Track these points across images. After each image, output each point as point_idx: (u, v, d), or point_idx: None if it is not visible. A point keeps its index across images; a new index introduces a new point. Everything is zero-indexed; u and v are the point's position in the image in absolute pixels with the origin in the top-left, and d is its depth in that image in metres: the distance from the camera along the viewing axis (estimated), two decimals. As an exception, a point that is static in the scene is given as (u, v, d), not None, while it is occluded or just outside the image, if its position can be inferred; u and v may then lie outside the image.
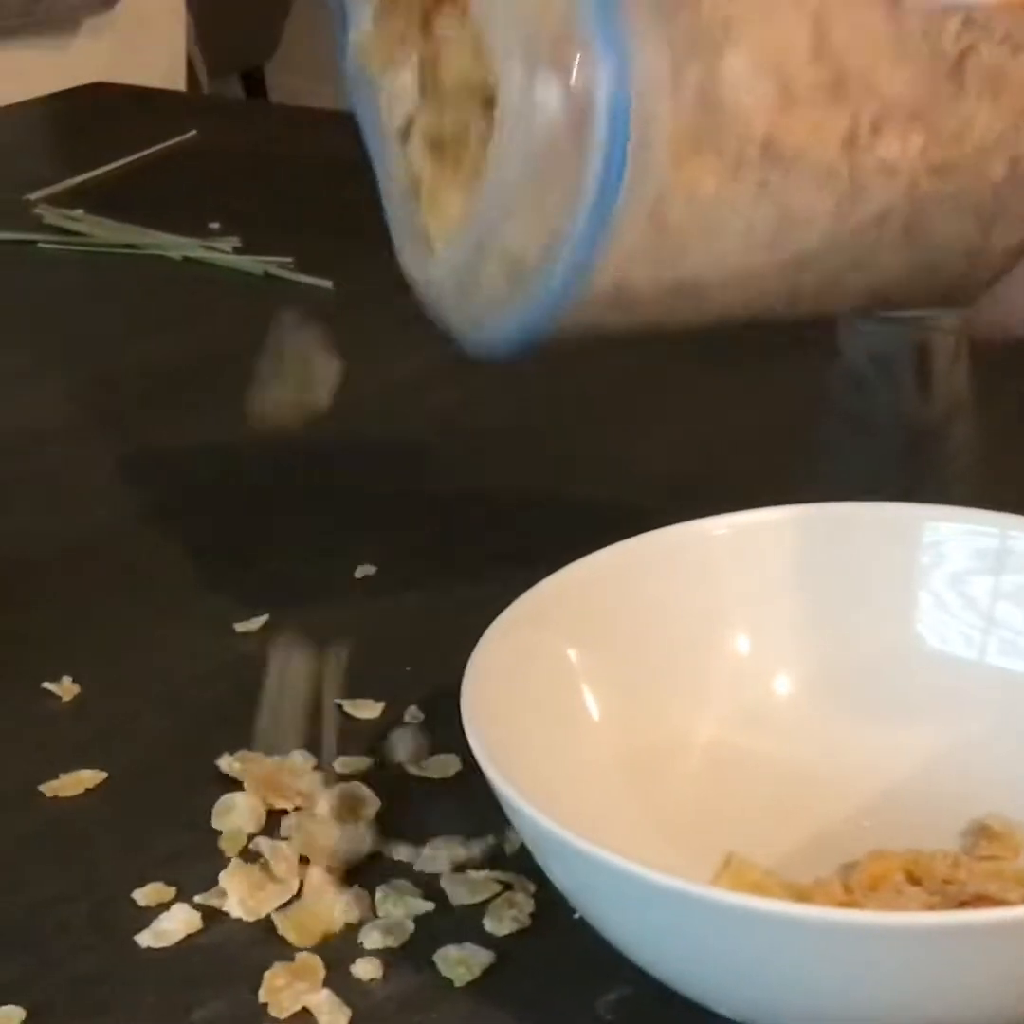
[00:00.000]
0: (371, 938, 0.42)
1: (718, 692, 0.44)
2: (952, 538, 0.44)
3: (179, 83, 1.96)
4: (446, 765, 0.48)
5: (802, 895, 0.41)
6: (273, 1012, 0.40)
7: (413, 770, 0.48)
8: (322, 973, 0.41)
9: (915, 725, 0.44)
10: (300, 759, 0.49)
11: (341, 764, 0.49)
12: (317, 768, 0.48)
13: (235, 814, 0.46)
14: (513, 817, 0.38)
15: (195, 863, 0.45)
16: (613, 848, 0.35)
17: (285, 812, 0.46)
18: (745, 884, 0.42)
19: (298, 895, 0.43)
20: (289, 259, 0.86)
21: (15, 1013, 0.40)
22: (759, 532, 0.45)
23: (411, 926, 0.42)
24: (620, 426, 0.70)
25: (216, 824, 0.46)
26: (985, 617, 0.44)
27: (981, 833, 0.42)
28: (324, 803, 0.46)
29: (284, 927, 0.42)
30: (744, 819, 0.43)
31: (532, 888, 0.43)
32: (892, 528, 0.45)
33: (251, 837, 0.46)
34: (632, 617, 0.43)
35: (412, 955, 0.42)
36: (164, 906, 0.43)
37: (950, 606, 0.44)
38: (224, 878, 0.43)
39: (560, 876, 0.38)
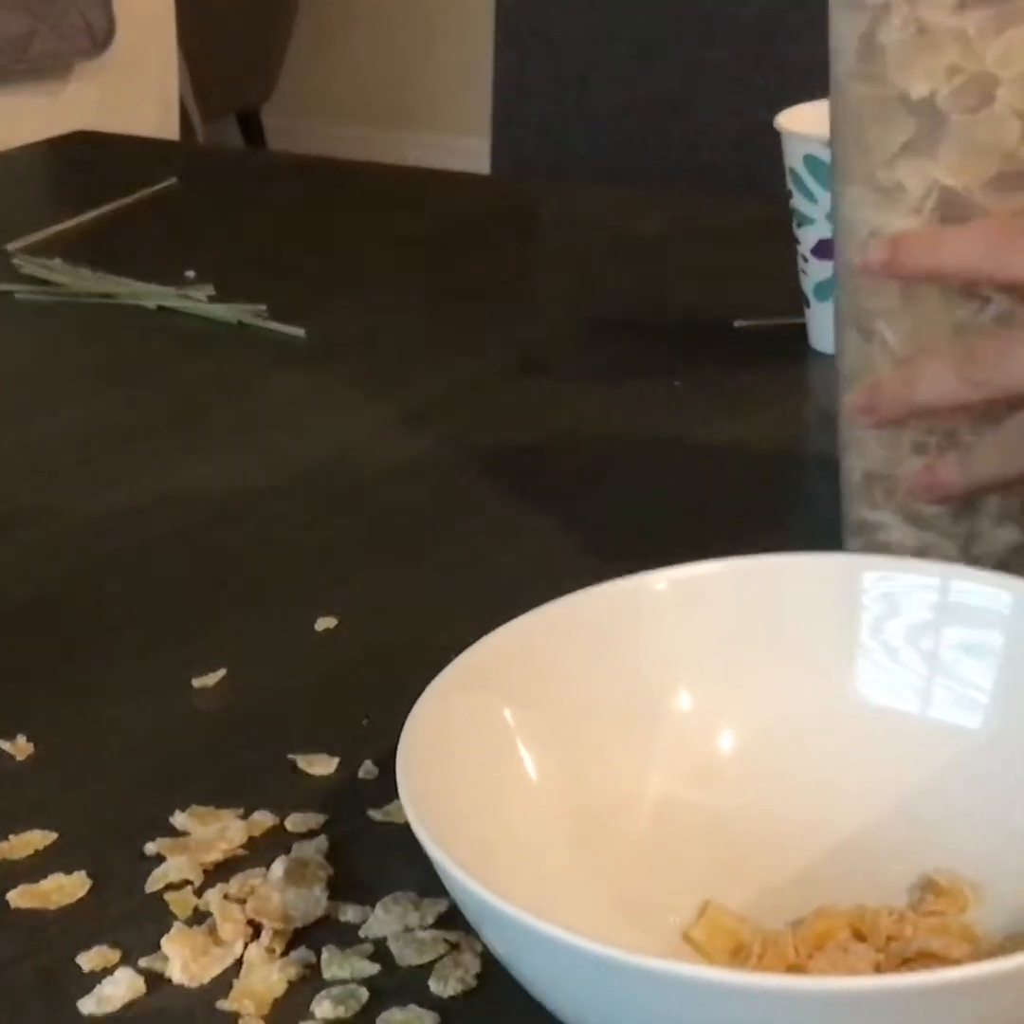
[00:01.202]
0: (322, 1007, 0.42)
1: (661, 749, 0.43)
2: (894, 589, 0.44)
3: (172, 126, 1.97)
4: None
5: (773, 941, 0.41)
6: (213, 1079, 0.40)
7: (376, 816, 0.48)
8: (265, 1038, 0.41)
9: (861, 779, 0.44)
10: (256, 816, 0.48)
11: (295, 822, 0.48)
12: (272, 826, 0.48)
13: (172, 874, 0.45)
14: (446, 882, 0.37)
15: (142, 925, 0.45)
16: (551, 911, 0.35)
17: (233, 862, 0.46)
18: (721, 930, 0.41)
19: (242, 959, 0.43)
20: (263, 307, 0.86)
21: (-46, 1081, 0.40)
22: (699, 586, 0.44)
23: (364, 994, 0.42)
24: (581, 476, 0.69)
25: (156, 886, 0.45)
26: (927, 670, 0.43)
27: (928, 888, 0.42)
28: (278, 867, 0.46)
29: (228, 992, 0.42)
30: (689, 877, 0.42)
31: (479, 947, 0.43)
32: (833, 579, 0.45)
33: (199, 893, 0.45)
34: (571, 675, 0.43)
35: (357, 1018, 0.41)
36: (108, 970, 0.43)
37: (893, 658, 0.44)
38: (166, 943, 0.43)
39: (493, 942, 0.38)
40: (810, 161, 0.74)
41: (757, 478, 0.68)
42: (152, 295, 0.88)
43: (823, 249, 0.75)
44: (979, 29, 0.45)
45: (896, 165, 0.47)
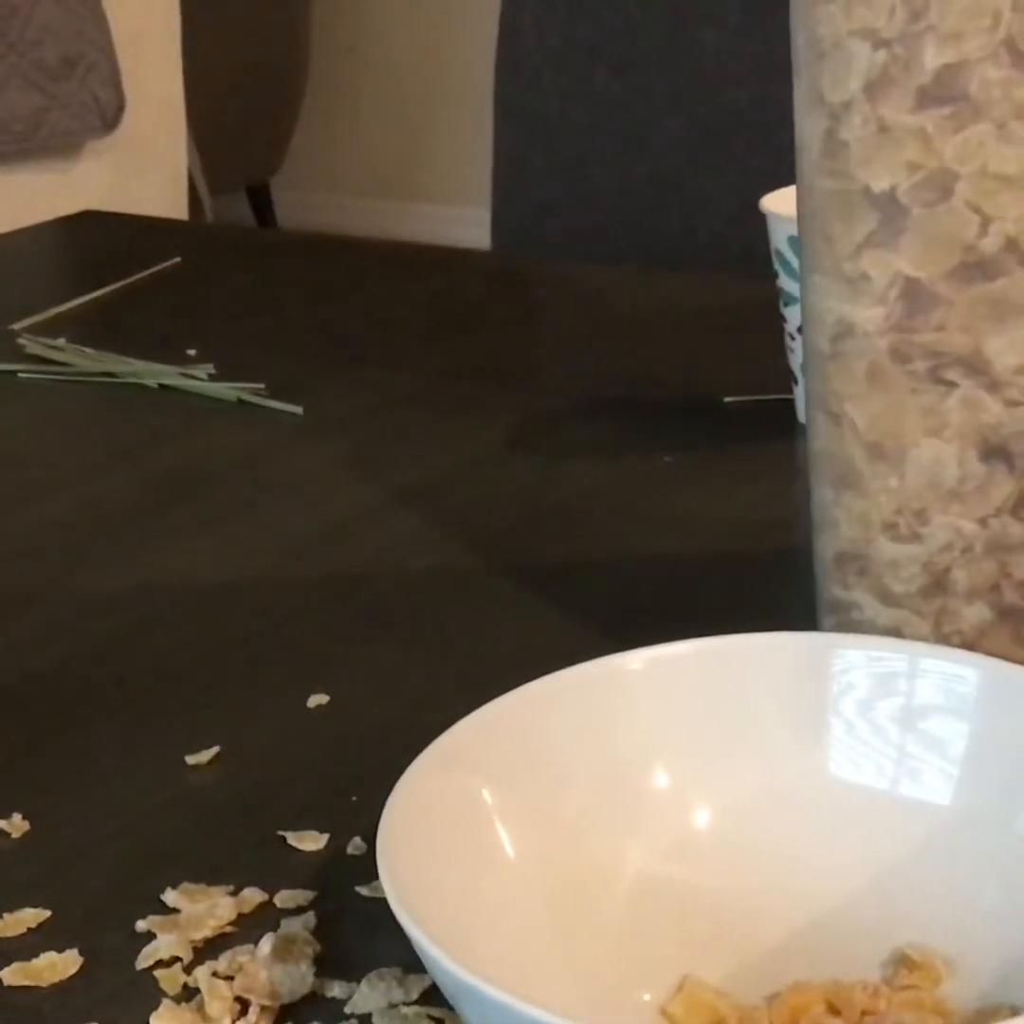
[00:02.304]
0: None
1: (638, 826, 0.44)
2: (862, 667, 0.45)
3: (181, 203, 2.00)
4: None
5: (749, 1016, 0.41)
6: None
7: (364, 891, 0.49)
8: (250, 1115, 0.42)
9: (834, 855, 0.44)
10: (245, 892, 0.49)
11: (283, 898, 0.49)
12: (261, 903, 0.49)
13: (162, 951, 0.46)
14: (423, 959, 0.38)
15: (132, 1002, 0.45)
16: (529, 988, 0.36)
17: (223, 938, 0.47)
18: (698, 1004, 0.42)
19: (228, 1035, 0.44)
20: (262, 385, 0.87)
21: None
22: (674, 665, 0.45)
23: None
24: (573, 552, 0.71)
25: (147, 963, 0.46)
26: (897, 747, 0.44)
27: (901, 962, 0.43)
28: (266, 944, 0.47)
29: (214, 1068, 0.43)
30: (666, 952, 0.43)
31: (462, 1024, 0.44)
32: (803, 658, 0.46)
33: (189, 970, 0.46)
34: (548, 754, 0.44)
35: (341, 1094, 0.42)
36: (99, 1048, 0.44)
37: (863, 736, 0.45)
38: (154, 1020, 0.44)
39: (470, 1019, 0.38)
40: (795, 242, 0.76)
41: (747, 553, 0.69)
42: (153, 374, 0.90)
43: (808, 328, 0.77)
44: (937, 127, 0.47)
45: (860, 256, 0.49)
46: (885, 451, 0.50)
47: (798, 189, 0.50)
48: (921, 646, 0.45)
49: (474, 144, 2.95)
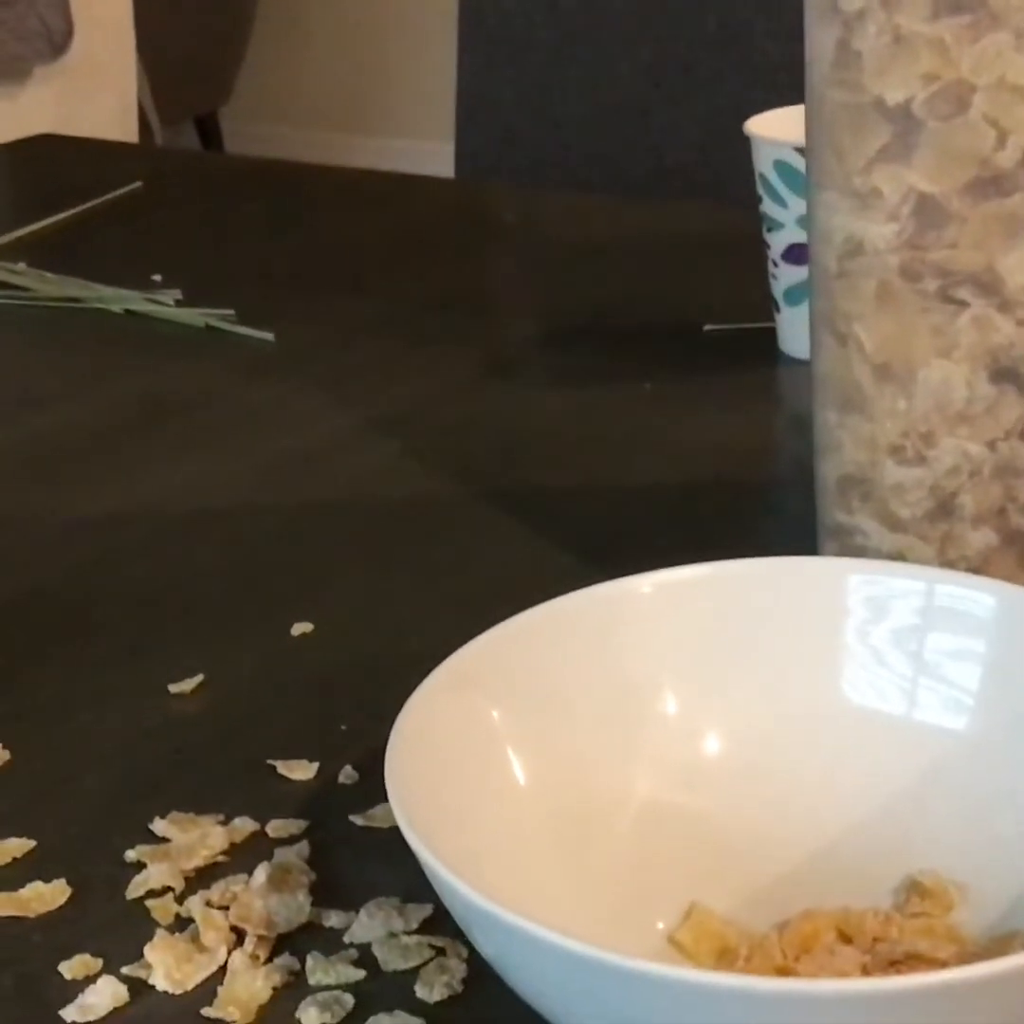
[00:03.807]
0: (308, 1014, 0.41)
1: (647, 752, 0.43)
2: (879, 592, 0.44)
3: (131, 130, 1.96)
4: (392, 814, 0.47)
5: (759, 944, 0.41)
6: (200, 1087, 0.40)
7: (357, 821, 0.48)
8: (251, 1045, 0.41)
9: (846, 781, 0.44)
10: (236, 822, 0.48)
11: (276, 827, 0.48)
12: (253, 832, 0.48)
13: (153, 881, 0.45)
14: (434, 883, 0.37)
15: (124, 933, 0.44)
16: (539, 913, 0.35)
17: (215, 868, 0.46)
18: (707, 933, 0.41)
19: (226, 966, 0.43)
20: (231, 311, 0.85)
21: (-64, 1093, 0.40)
22: (684, 589, 0.44)
23: (350, 1000, 0.42)
24: (551, 480, 0.69)
25: (137, 893, 0.45)
26: (911, 672, 0.44)
27: (913, 890, 0.42)
28: (260, 873, 0.45)
29: (213, 999, 0.42)
30: (675, 880, 0.42)
31: (464, 953, 0.43)
32: (817, 583, 0.45)
33: (181, 900, 0.45)
34: (557, 678, 0.43)
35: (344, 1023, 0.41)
36: (91, 979, 0.43)
37: (876, 661, 0.44)
38: (149, 951, 0.43)
39: (483, 945, 0.37)
40: (780, 166, 0.75)
41: (727, 482, 0.68)
42: (119, 299, 0.88)
43: (793, 254, 0.76)
44: (955, 36, 0.45)
45: (872, 171, 0.48)
46: (893, 372, 0.49)
47: (807, 102, 0.49)
48: (937, 571, 0.45)
49: (428, 76, 2.92)
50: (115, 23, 1.96)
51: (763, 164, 0.76)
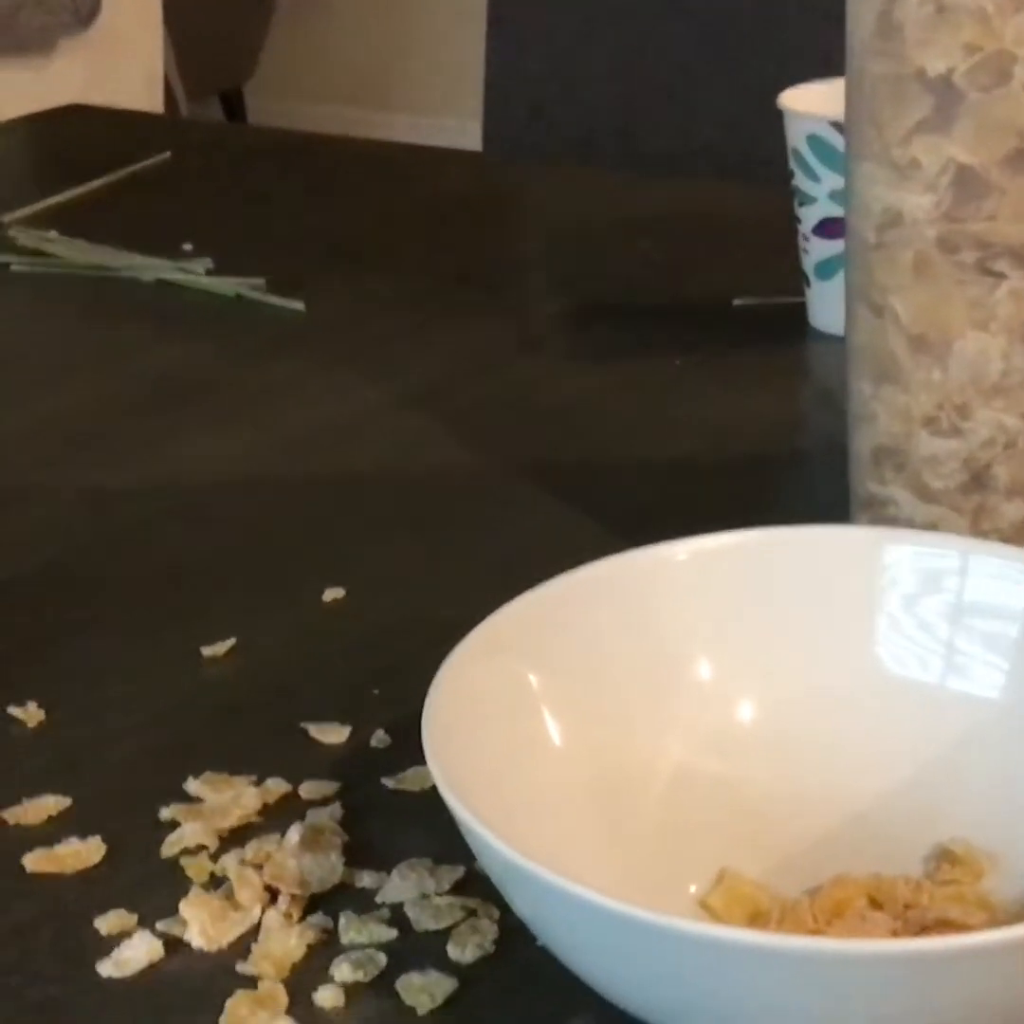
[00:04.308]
0: (341, 971, 0.42)
1: (681, 717, 0.44)
2: (913, 562, 0.45)
3: (156, 104, 1.96)
4: (424, 777, 0.47)
5: (791, 909, 0.41)
6: (235, 1041, 0.40)
7: (389, 784, 0.48)
8: (284, 1002, 0.41)
9: (878, 749, 0.44)
10: (269, 783, 0.49)
11: (308, 789, 0.49)
12: (286, 794, 0.48)
13: (187, 840, 0.46)
14: (472, 843, 0.38)
15: (159, 890, 0.45)
16: (573, 874, 0.35)
17: (248, 829, 0.46)
18: (738, 897, 0.42)
19: (260, 923, 0.43)
20: (261, 280, 0.86)
21: (-26, 1043, 0.40)
22: (720, 557, 0.45)
23: (382, 959, 0.42)
24: (580, 454, 0.70)
25: (172, 851, 0.46)
26: (945, 641, 0.44)
27: (944, 857, 0.42)
28: (294, 833, 0.46)
29: (247, 956, 0.42)
30: (707, 844, 0.43)
31: (496, 914, 0.43)
32: (853, 552, 0.45)
33: (215, 859, 0.45)
34: (593, 642, 0.43)
35: (375, 983, 0.42)
36: (126, 934, 0.43)
37: (910, 630, 0.44)
38: (184, 907, 0.43)
39: (519, 903, 0.38)
40: (813, 141, 0.75)
41: (756, 457, 0.69)
42: (150, 268, 0.88)
43: (824, 229, 0.76)
44: (998, 6, 0.45)
45: (911, 142, 0.48)
46: (929, 344, 0.49)
47: (846, 72, 0.49)
48: (971, 541, 0.45)
49: (455, 52, 2.91)
50: (142, -4, 1.96)
51: (796, 138, 0.76)
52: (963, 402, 0.49)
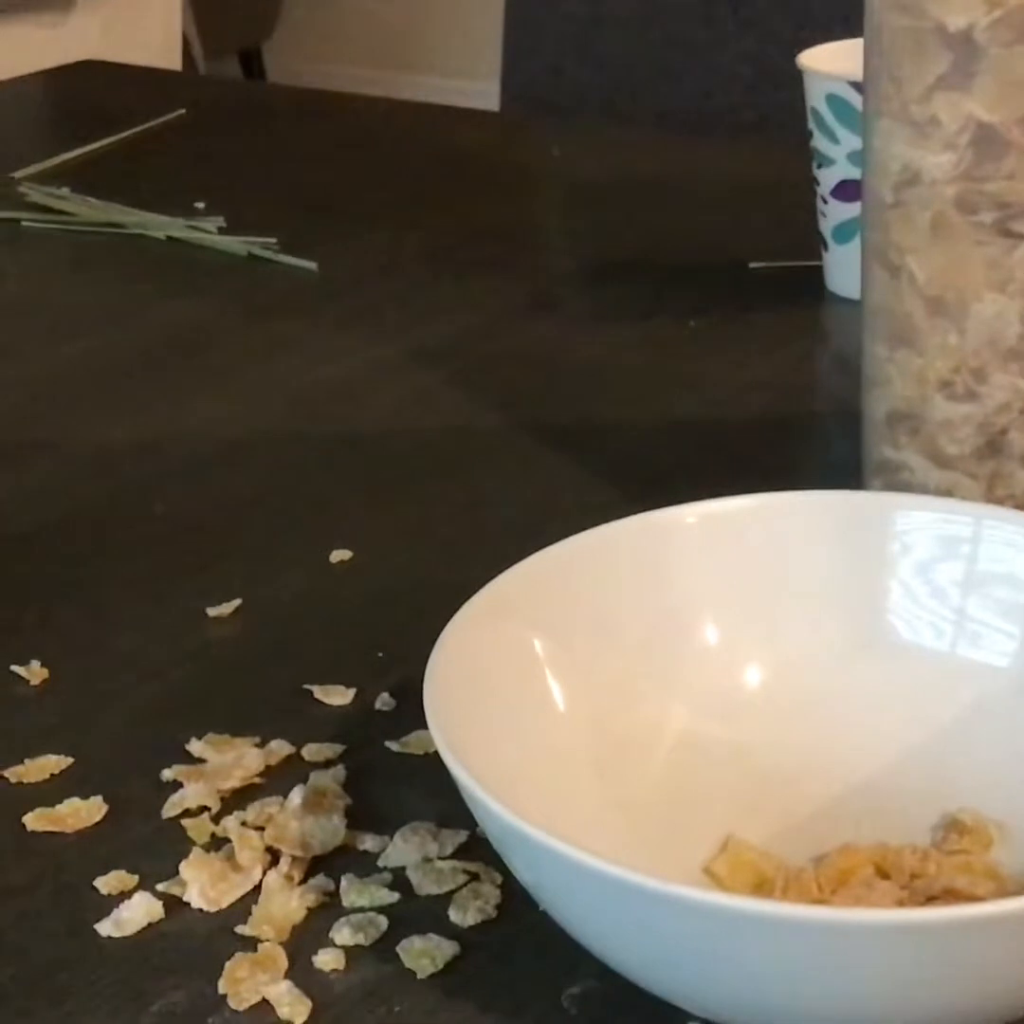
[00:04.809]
0: (341, 934, 0.41)
1: (687, 682, 0.43)
2: (925, 527, 0.44)
3: (174, 62, 1.95)
4: (428, 740, 0.47)
5: (796, 877, 0.40)
6: (232, 1003, 0.40)
7: (393, 747, 0.48)
8: (284, 964, 0.41)
9: (887, 717, 0.43)
10: (272, 745, 0.48)
11: (311, 751, 0.48)
12: (288, 755, 0.48)
13: (189, 801, 0.45)
14: (473, 808, 0.37)
15: (160, 850, 0.44)
16: (575, 839, 0.35)
17: (250, 790, 0.46)
18: (743, 864, 0.41)
19: (261, 885, 0.43)
20: (273, 239, 0.85)
21: (-28, 1002, 0.40)
22: (730, 521, 0.44)
23: (383, 922, 0.42)
24: (593, 415, 0.69)
25: (174, 812, 0.45)
26: (956, 608, 0.43)
27: (952, 827, 0.42)
28: (296, 795, 0.45)
29: (247, 917, 0.42)
30: (712, 811, 0.42)
31: (498, 878, 0.43)
32: (864, 517, 0.44)
33: (217, 820, 0.45)
34: (599, 606, 0.43)
35: (376, 946, 0.41)
36: (126, 894, 0.43)
37: (921, 597, 0.44)
38: (184, 868, 0.43)
39: (520, 868, 0.37)
40: (832, 101, 0.74)
41: (769, 420, 0.68)
42: (161, 225, 0.88)
43: (843, 191, 0.75)
44: None
45: (931, 99, 0.47)
46: (945, 306, 0.48)
47: (865, 28, 0.48)
48: (983, 507, 0.44)
49: (473, 13, 2.89)
50: (160, -49, 1.94)
51: (815, 98, 0.74)
52: (979, 366, 0.48)
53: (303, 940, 0.42)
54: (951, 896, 0.40)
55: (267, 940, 0.41)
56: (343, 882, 0.43)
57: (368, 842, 0.45)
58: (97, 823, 0.46)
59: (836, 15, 0.95)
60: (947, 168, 0.47)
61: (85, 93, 1.17)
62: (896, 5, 0.46)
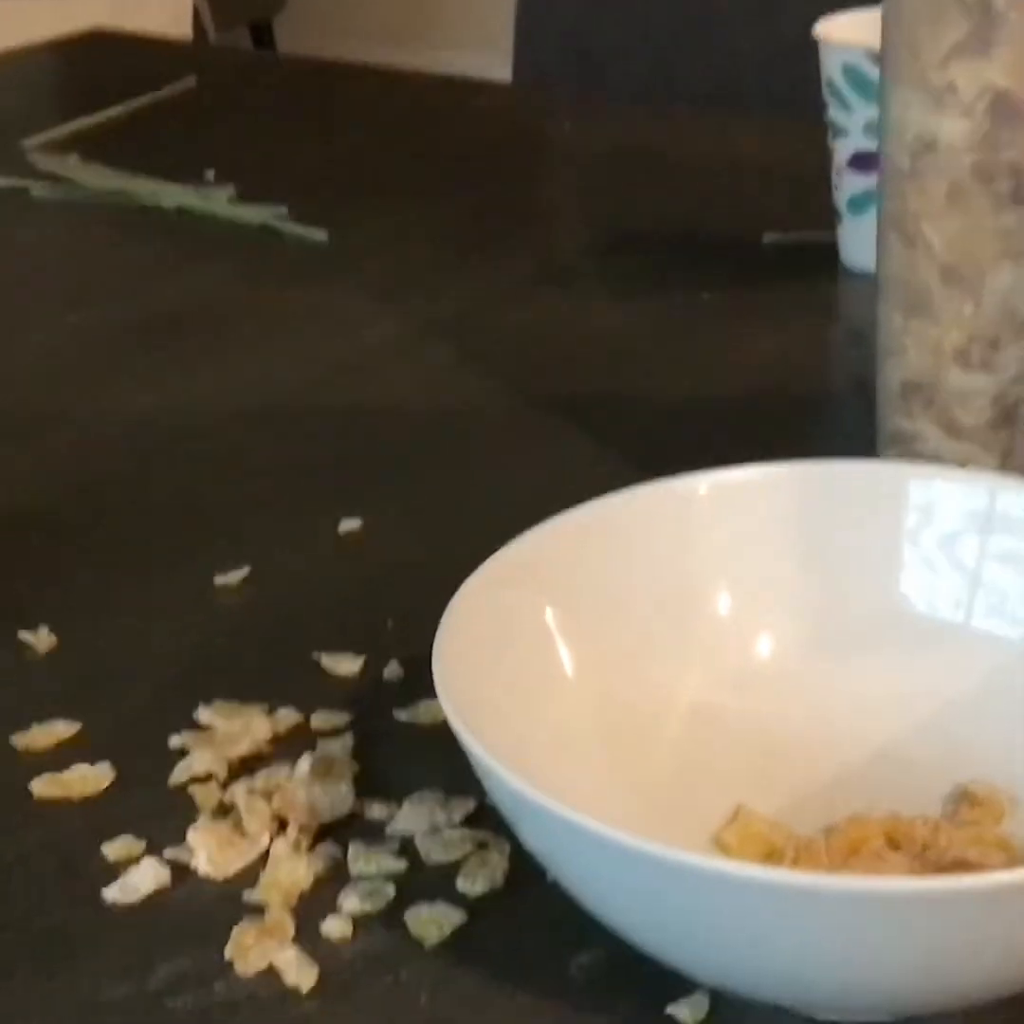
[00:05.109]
0: (349, 902, 0.41)
1: (699, 652, 0.43)
2: (940, 498, 0.44)
3: (184, 32, 1.94)
4: (437, 710, 0.47)
5: (806, 848, 0.40)
6: (239, 969, 0.40)
7: (402, 716, 0.47)
8: (291, 931, 0.41)
9: (900, 687, 0.43)
10: (280, 713, 0.48)
11: (320, 719, 0.48)
12: (297, 724, 0.48)
13: (197, 767, 0.45)
14: (482, 776, 0.37)
15: (167, 817, 0.44)
16: (585, 809, 0.35)
17: (258, 758, 0.46)
18: (753, 834, 0.41)
19: (268, 853, 0.43)
20: (283, 209, 0.84)
21: (-22, 966, 0.40)
22: (742, 491, 0.44)
23: (391, 890, 0.42)
24: (605, 388, 0.68)
25: (181, 779, 0.45)
26: (972, 579, 0.43)
27: (963, 798, 0.42)
28: (304, 763, 0.45)
29: (254, 884, 0.42)
30: (724, 781, 0.42)
31: (507, 848, 0.42)
32: (879, 487, 0.44)
33: (224, 787, 0.45)
34: (611, 576, 0.43)
35: (384, 914, 0.41)
36: (133, 861, 0.43)
37: (937, 567, 0.43)
38: (192, 835, 0.43)
39: (529, 837, 0.37)
40: (848, 71, 0.73)
41: (784, 393, 0.67)
42: (171, 195, 0.87)
43: (858, 162, 0.74)
44: None
45: (948, 66, 0.46)
46: (961, 275, 0.47)
47: None
48: (999, 478, 0.44)
49: (486, -14, 2.87)
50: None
51: (831, 69, 0.74)
52: (994, 336, 0.48)
53: (310, 907, 0.41)
54: (962, 867, 0.39)
55: (274, 907, 0.41)
56: (351, 850, 0.43)
57: (376, 810, 0.44)
58: (104, 790, 0.46)
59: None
60: (964, 135, 0.46)
61: (95, 62, 1.16)
62: None
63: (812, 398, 0.68)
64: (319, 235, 0.82)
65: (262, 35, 2.95)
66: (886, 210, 0.49)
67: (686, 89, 1.19)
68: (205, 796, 0.45)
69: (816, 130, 0.76)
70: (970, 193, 0.46)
